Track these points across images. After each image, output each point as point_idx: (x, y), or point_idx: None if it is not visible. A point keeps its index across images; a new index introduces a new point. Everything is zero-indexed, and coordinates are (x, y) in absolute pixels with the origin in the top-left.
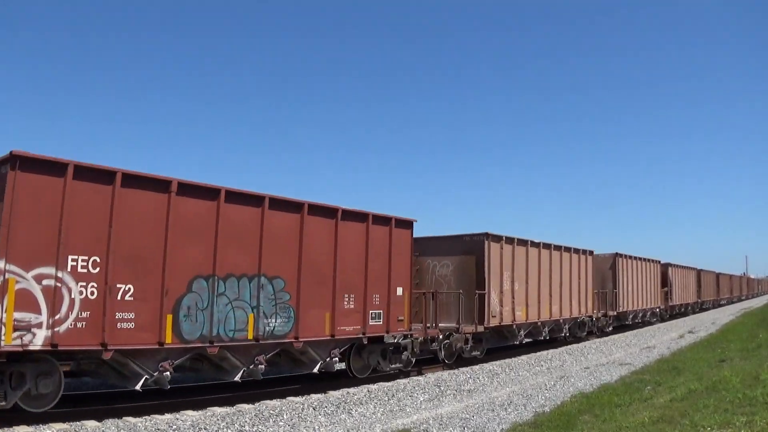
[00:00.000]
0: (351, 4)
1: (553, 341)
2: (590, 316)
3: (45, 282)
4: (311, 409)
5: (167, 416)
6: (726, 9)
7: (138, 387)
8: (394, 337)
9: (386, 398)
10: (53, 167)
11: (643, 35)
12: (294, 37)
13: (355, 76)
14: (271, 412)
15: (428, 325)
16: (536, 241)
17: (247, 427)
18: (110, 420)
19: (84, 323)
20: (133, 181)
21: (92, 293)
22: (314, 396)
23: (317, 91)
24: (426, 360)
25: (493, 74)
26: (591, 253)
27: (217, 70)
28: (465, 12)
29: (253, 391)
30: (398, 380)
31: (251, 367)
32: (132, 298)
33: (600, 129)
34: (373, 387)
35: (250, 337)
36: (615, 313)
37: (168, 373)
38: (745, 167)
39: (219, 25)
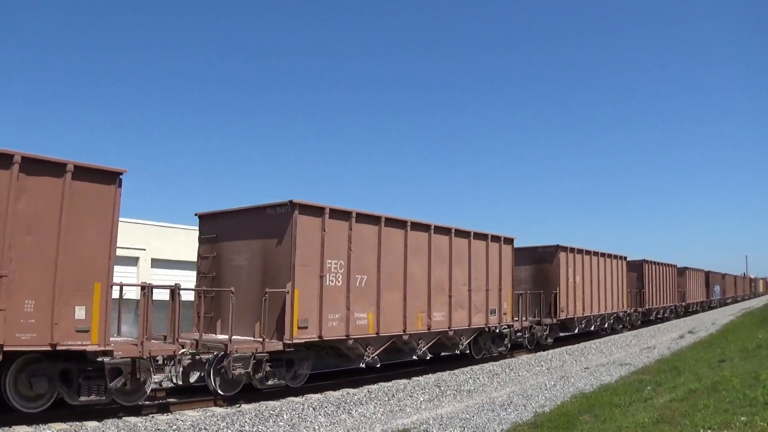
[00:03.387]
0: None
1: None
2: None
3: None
4: (311, 409)
5: (167, 416)
6: (728, 10)
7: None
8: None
9: (386, 398)
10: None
11: (652, 40)
12: (304, 42)
13: (357, 82)
14: (271, 412)
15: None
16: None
17: (247, 427)
18: (110, 420)
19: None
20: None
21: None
22: (314, 396)
23: (316, 97)
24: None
25: (497, 74)
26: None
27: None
28: (467, 18)
29: (253, 391)
30: (398, 380)
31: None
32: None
33: (593, 122)
34: (373, 387)
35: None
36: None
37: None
38: (745, 167)
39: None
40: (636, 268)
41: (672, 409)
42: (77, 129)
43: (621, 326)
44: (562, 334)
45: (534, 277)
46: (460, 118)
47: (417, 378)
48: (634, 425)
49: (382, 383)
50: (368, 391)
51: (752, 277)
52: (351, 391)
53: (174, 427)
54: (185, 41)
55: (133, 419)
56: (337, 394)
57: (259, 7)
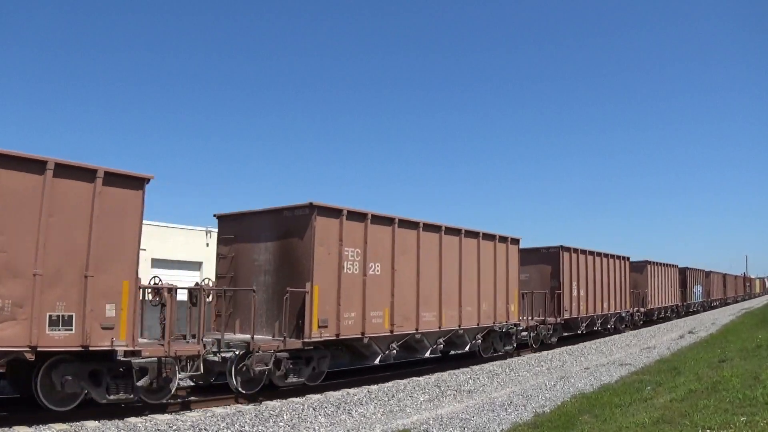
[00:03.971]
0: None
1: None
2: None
3: None
4: (311, 409)
5: (167, 416)
6: (728, 10)
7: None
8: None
9: (386, 398)
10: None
11: (652, 40)
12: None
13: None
14: (271, 412)
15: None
16: (591, 249)
17: (247, 427)
18: (110, 420)
19: None
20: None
21: None
22: (314, 396)
23: (314, 96)
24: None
25: (498, 71)
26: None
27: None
28: (467, 18)
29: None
30: (398, 380)
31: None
32: None
33: (593, 122)
34: (373, 387)
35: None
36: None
37: None
38: (745, 167)
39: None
40: (549, 259)
41: (672, 409)
42: (77, 129)
43: (510, 347)
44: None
45: (278, 265)
46: (460, 118)
47: (417, 378)
48: (635, 425)
49: (381, 383)
50: (368, 392)
51: (746, 275)
52: (351, 391)
53: (174, 427)
54: (185, 41)
55: (133, 419)
56: (337, 394)
57: (259, 7)
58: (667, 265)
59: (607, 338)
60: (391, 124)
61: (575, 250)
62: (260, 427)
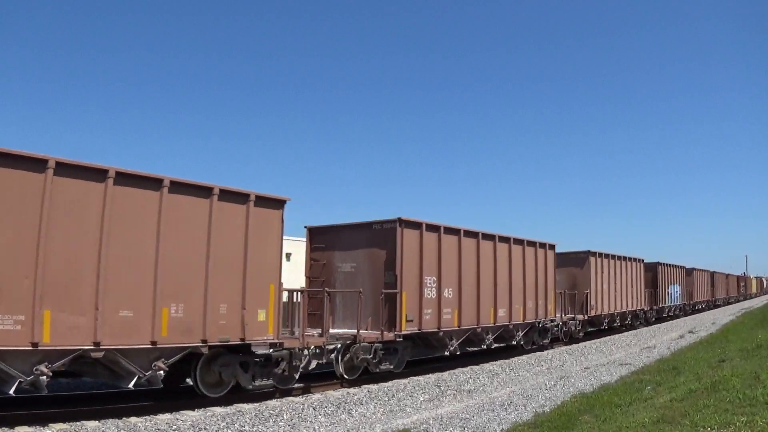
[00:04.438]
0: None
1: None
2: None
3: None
4: (311, 409)
5: (167, 416)
6: (728, 10)
7: None
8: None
9: (386, 398)
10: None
11: (652, 40)
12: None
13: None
14: (271, 412)
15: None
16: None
17: (247, 427)
18: (110, 420)
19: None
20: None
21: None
22: (314, 396)
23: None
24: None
25: (479, 65)
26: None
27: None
28: (467, 18)
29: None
30: (398, 380)
31: None
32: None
33: (593, 122)
34: (374, 387)
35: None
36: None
37: None
38: (745, 167)
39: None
40: (383, 240)
41: (672, 409)
42: (77, 129)
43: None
44: None
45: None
46: (460, 118)
47: (417, 378)
48: (635, 425)
49: (382, 383)
50: (368, 391)
51: (742, 275)
52: (351, 391)
53: (174, 426)
54: (185, 41)
55: (133, 419)
56: (337, 394)
57: (259, 7)
58: (624, 258)
59: (606, 338)
60: (391, 124)
61: (433, 228)
62: (260, 427)
